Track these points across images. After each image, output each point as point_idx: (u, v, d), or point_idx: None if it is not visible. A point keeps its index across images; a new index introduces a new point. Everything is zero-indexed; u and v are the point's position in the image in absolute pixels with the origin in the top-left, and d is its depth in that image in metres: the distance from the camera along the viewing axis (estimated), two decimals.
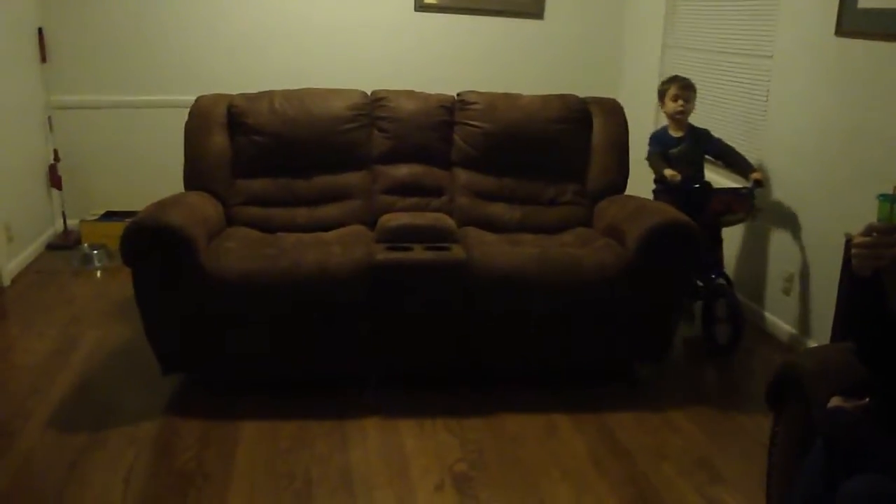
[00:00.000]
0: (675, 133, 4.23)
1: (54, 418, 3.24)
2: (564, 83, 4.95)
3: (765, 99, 4.27)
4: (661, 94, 4.27)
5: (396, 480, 2.87)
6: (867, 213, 3.21)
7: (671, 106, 4.19)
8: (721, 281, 4.10)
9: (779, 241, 4.03)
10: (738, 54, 4.59)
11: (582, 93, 4.32)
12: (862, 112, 3.54)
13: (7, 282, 4.72)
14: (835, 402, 2.05)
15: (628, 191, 4.20)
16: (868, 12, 3.47)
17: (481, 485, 2.85)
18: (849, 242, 3.05)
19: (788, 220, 4.04)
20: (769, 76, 4.25)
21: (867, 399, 2.02)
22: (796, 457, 2.11)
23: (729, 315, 3.91)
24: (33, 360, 3.77)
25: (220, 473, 2.88)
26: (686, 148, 4.19)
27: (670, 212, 3.55)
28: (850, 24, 3.58)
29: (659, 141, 4.24)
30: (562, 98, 4.23)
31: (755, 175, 4.02)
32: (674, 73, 4.41)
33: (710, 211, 3.96)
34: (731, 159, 4.25)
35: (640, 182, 4.35)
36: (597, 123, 4.20)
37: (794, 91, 4.03)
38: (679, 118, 4.20)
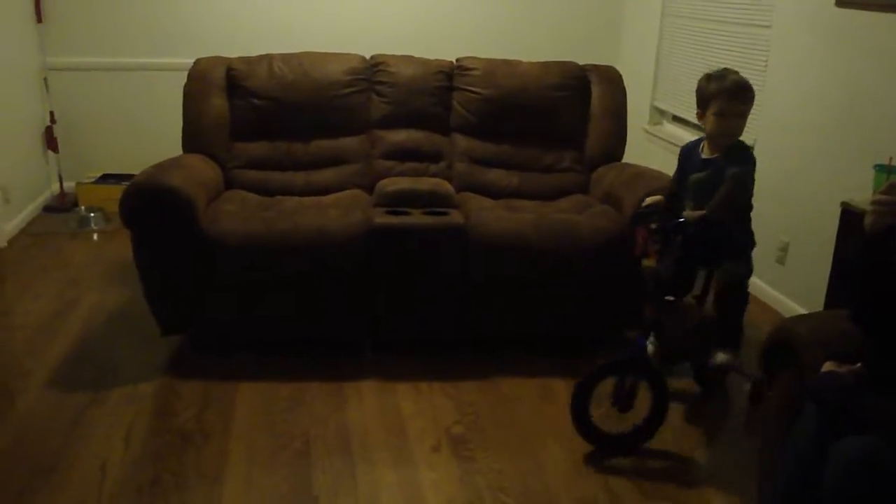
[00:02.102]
0: (706, 154, 3.05)
1: (54, 378, 3.26)
2: (563, 50, 4.94)
3: (763, 69, 4.26)
4: (703, 101, 2.98)
5: (394, 441, 2.91)
6: (864, 183, 3.25)
7: (713, 124, 2.95)
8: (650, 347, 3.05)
9: (774, 209, 4.05)
10: (737, 24, 4.58)
11: (581, 60, 4.31)
12: (860, 83, 3.55)
13: (3, 244, 4.73)
14: (827, 366, 2.10)
15: (625, 159, 4.20)
16: None
17: (477, 446, 2.89)
18: (846, 211, 3.12)
19: (784, 190, 4.05)
20: (767, 46, 4.24)
21: (859, 364, 2.06)
22: (789, 421, 2.15)
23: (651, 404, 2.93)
24: (31, 322, 3.78)
25: (219, 433, 2.92)
26: (711, 174, 2.98)
27: (668, 178, 3.55)
28: None
29: (682, 159, 3.20)
30: (561, 65, 4.23)
31: (689, 214, 2.92)
32: (722, 68, 3.07)
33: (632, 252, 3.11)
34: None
35: (638, 150, 4.36)
36: (595, 91, 4.20)
37: (793, 61, 4.02)
38: (720, 141, 2.99)
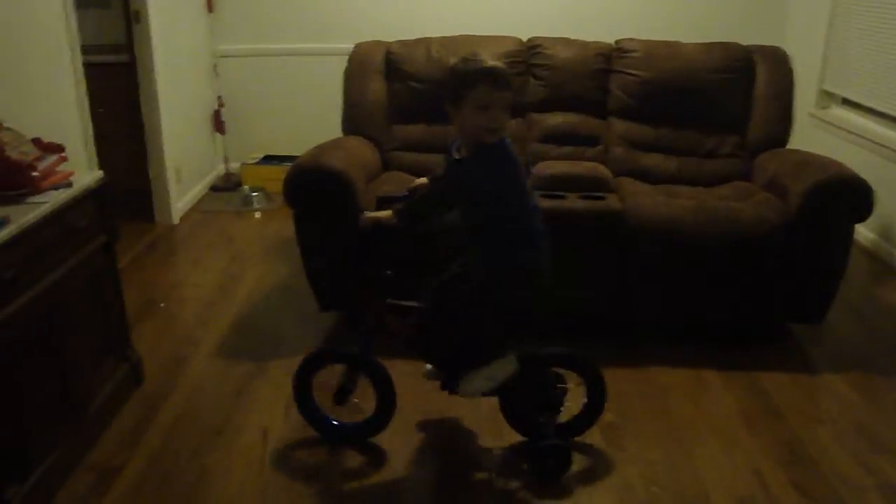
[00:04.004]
0: (458, 154, 2.52)
1: (220, 348, 3.44)
2: (725, 30, 4.77)
3: None
4: (456, 92, 2.40)
5: None
6: None
7: (470, 118, 2.40)
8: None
9: None
10: None
11: (743, 40, 4.15)
12: None
13: (176, 220, 5.03)
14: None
15: (790, 145, 4.02)
16: None
17: (629, 435, 2.85)
18: None
19: None
20: None
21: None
22: None
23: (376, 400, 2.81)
24: (200, 294, 4.01)
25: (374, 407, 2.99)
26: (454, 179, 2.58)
27: (837, 166, 3.38)
28: None
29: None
30: (724, 46, 4.08)
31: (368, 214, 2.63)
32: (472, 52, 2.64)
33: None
34: None
35: (803, 135, 4.15)
36: (760, 73, 4.03)
37: None
38: (484, 138, 2.41)
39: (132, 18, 4.68)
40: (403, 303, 2.72)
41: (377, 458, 2.75)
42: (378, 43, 4.20)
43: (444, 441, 2.89)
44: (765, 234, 3.30)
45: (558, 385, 2.71)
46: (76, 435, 2.68)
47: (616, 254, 3.35)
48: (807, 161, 3.57)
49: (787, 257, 3.33)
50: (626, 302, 3.45)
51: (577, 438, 2.79)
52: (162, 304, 3.88)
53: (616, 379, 3.19)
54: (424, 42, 4.14)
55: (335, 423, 2.84)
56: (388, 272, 2.65)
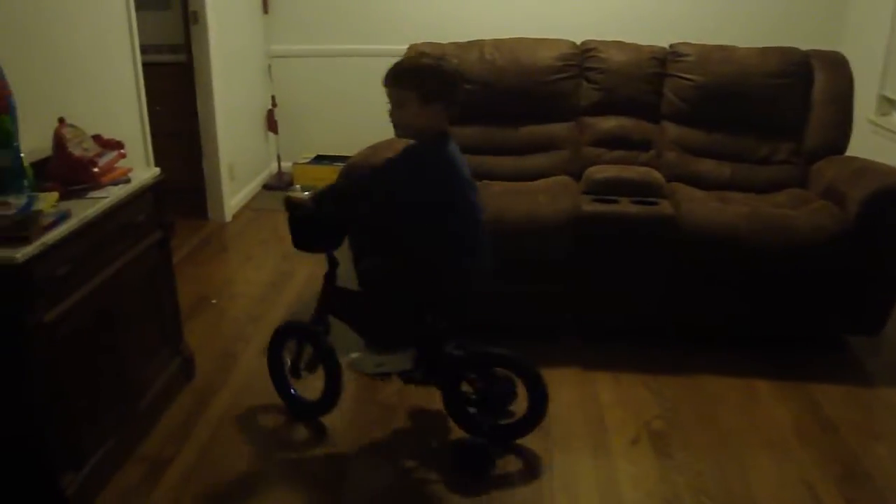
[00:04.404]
0: None
1: None
2: (781, 33, 4.70)
3: None
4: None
5: (593, 430, 2.89)
6: None
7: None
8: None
9: None
10: None
11: (799, 43, 4.08)
12: None
13: (229, 217, 5.10)
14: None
15: (849, 152, 3.94)
16: None
17: (678, 444, 2.82)
18: None
19: None
20: None
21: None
22: None
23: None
24: (251, 291, 4.06)
25: (422, 409, 3.00)
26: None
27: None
28: None
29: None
30: (781, 51, 4.02)
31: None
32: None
33: None
34: None
35: (862, 142, 4.06)
36: (819, 78, 3.95)
37: None
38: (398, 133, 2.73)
39: (190, 19, 4.77)
40: (348, 288, 2.92)
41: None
42: (431, 45, 4.20)
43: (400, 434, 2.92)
44: (821, 242, 3.24)
45: (506, 388, 2.71)
46: (129, 427, 2.73)
47: (668, 259, 3.31)
48: (866, 168, 3.50)
49: (844, 266, 3.27)
50: (676, 309, 3.42)
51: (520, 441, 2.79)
52: (214, 301, 3.93)
53: (666, 385, 3.18)
54: (478, 44, 4.14)
55: (294, 395, 2.98)
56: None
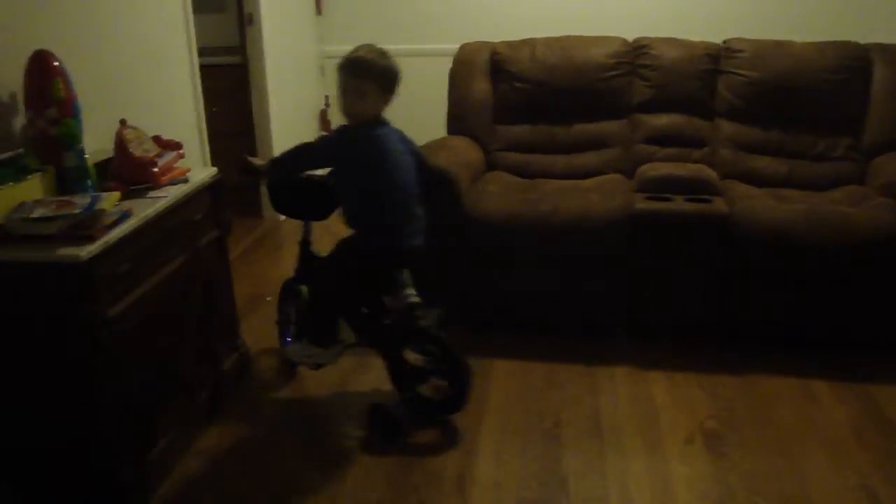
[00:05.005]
0: None
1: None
2: (840, 28, 4.59)
3: None
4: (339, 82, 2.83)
5: (646, 430, 2.87)
6: None
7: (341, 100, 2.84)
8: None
9: None
10: None
11: (859, 38, 4.00)
12: None
13: (283, 216, 5.15)
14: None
15: None
16: None
17: (733, 444, 2.79)
18: None
19: None
20: None
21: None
22: None
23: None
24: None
25: (474, 405, 3.00)
26: None
27: None
28: None
29: None
30: (838, 45, 3.95)
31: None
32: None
33: None
34: None
35: None
36: (879, 72, 3.88)
37: None
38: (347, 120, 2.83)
39: (245, 21, 4.84)
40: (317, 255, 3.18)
41: None
42: (483, 44, 4.23)
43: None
44: (881, 239, 3.17)
45: (427, 357, 2.91)
46: (187, 421, 2.79)
47: (722, 258, 3.28)
48: None
49: None
50: (732, 307, 3.38)
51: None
52: (269, 298, 3.98)
53: (720, 385, 3.15)
54: (529, 43, 4.14)
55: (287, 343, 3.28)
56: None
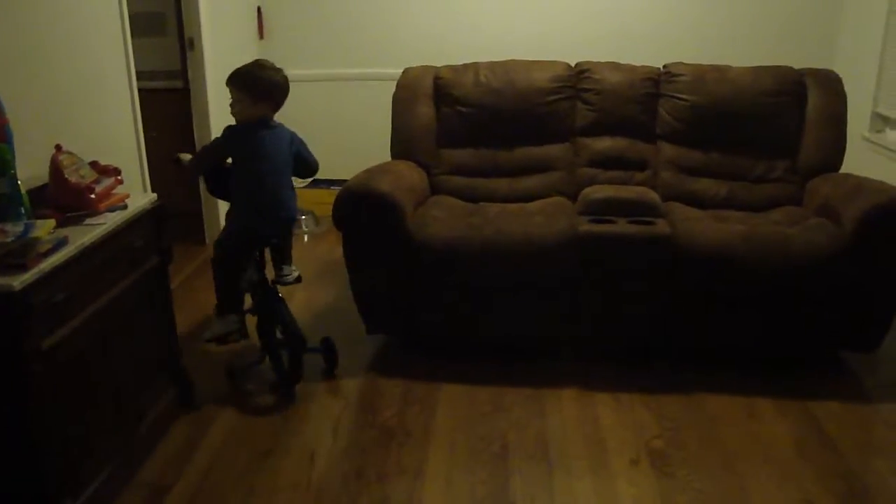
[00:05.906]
0: None
1: (266, 369, 3.45)
2: (773, 53, 4.72)
3: None
4: None
5: (593, 451, 2.88)
6: None
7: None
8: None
9: None
10: None
11: (791, 62, 4.12)
12: None
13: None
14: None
15: (844, 169, 3.95)
16: None
17: (679, 463, 2.81)
18: None
19: None
20: None
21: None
22: None
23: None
24: (249, 316, 4.03)
25: (421, 431, 3.00)
26: None
27: (893, 190, 3.31)
28: None
29: None
30: (774, 70, 4.05)
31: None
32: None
33: None
34: None
35: (856, 160, 4.08)
36: (812, 96, 3.98)
37: None
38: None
39: (186, 46, 4.79)
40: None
41: None
42: (426, 68, 4.24)
43: None
44: (818, 259, 3.24)
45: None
46: (127, 453, 2.71)
47: (665, 279, 3.32)
48: (861, 185, 3.50)
49: (840, 283, 3.27)
50: (675, 328, 3.42)
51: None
52: None
53: (666, 405, 3.18)
54: (473, 67, 4.17)
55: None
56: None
